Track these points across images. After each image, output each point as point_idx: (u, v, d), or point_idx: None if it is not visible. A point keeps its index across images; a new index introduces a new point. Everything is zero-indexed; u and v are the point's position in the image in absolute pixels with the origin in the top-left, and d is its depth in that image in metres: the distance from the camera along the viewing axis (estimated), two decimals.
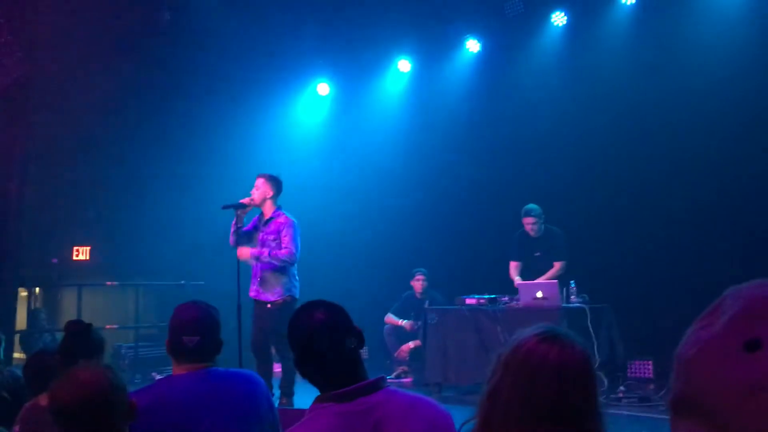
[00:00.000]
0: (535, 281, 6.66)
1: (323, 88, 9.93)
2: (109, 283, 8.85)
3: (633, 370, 6.97)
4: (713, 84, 6.95)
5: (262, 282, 5.84)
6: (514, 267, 7.10)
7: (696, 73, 7.09)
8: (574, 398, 1.43)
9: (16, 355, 7.88)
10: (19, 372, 3.37)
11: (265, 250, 5.78)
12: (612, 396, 5.96)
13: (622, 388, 6.13)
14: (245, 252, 5.78)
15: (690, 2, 7.37)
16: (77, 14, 8.41)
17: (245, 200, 5.83)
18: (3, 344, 3.57)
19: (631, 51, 7.71)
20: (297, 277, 5.92)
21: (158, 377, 8.01)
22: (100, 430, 1.91)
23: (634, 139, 7.56)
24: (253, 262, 5.86)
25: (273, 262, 5.76)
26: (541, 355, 1.45)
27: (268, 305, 5.80)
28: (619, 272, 7.37)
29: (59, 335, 7.57)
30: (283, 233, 5.78)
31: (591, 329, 6.00)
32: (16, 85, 7.55)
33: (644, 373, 6.96)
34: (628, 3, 7.76)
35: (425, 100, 9.29)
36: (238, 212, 5.81)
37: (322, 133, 9.98)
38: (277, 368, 6.17)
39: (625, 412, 5.64)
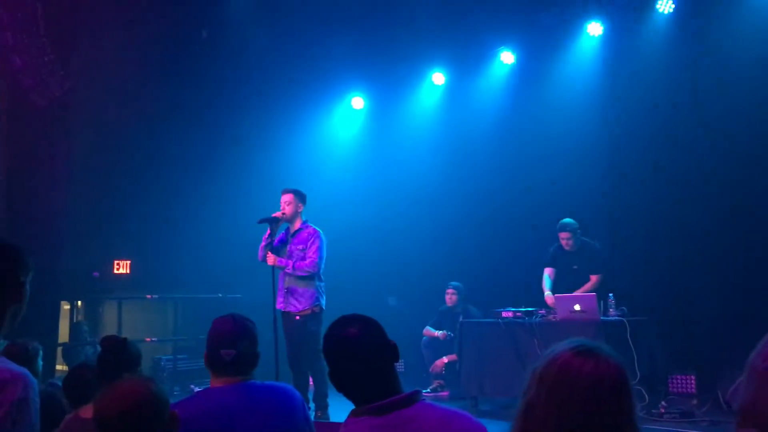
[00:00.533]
0: (572, 294, 6.57)
1: (357, 101, 9.98)
2: (148, 296, 8.99)
3: (675, 384, 6.83)
4: (753, 91, 6.82)
5: (289, 293, 5.98)
6: (546, 274, 7.02)
7: (734, 80, 6.97)
8: (609, 412, 1.41)
9: (58, 367, 8.03)
10: (58, 383, 3.44)
11: (290, 262, 5.93)
12: (653, 411, 5.83)
13: (663, 403, 6.00)
14: (271, 258, 5.92)
15: (727, 10, 7.24)
16: (117, 32, 8.60)
17: (278, 214, 6.02)
18: (41, 354, 3.64)
19: (668, 60, 7.60)
20: (323, 288, 6.07)
21: (197, 389, 8.09)
22: None
23: (673, 149, 7.44)
24: (278, 267, 5.96)
25: (297, 273, 5.93)
26: (576, 369, 1.44)
27: (297, 317, 5.93)
28: (660, 285, 7.25)
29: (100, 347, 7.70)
30: (310, 243, 5.98)
31: (630, 343, 5.90)
32: (58, 102, 7.75)
33: (687, 388, 6.81)
34: (666, 12, 7.67)
35: (459, 112, 9.27)
36: (272, 226, 5.99)
37: (356, 147, 10.02)
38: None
39: (667, 428, 5.52)
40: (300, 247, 6.00)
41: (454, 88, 9.39)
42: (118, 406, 1.91)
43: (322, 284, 6.07)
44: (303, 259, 5.97)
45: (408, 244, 9.13)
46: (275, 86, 9.43)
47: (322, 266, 6.01)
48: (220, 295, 8.87)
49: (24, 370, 1.74)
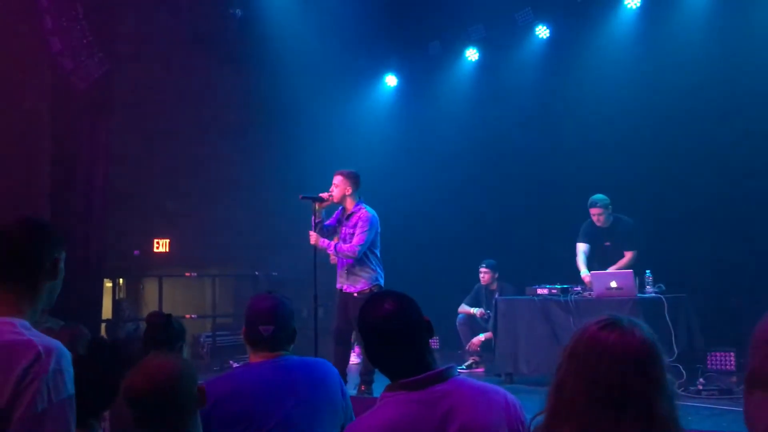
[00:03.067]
0: (608, 271, 6.52)
1: (391, 80, 9.96)
2: (187, 274, 9.15)
3: (713, 361, 6.75)
4: None
5: (349, 274, 5.98)
6: (581, 249, 6.93)
7: None
8: (636, 383, 1.42)
9: None
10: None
11: (332, 243, 5.94)
12: (691, 388, 5.78)
13: (701, 380, 5.94)
14: (314, 237, 5.93)
15: None
16: (154, 14, 8.70)
17: (324, 195, 5.95)
18: (89, 338, 3.73)
19: (709, 34, 7.41)
20: (380, 267, 6.04)
21: (235, 365, 8.25)
22: (170, 415, 1.99)
23: (710, 123, 7.29)
24: (320, 248, 6.00)
25: (339, 255, 5.95)
26: (602, 342, 1.46)
27: (355, 294, 5.92)
28: (698, 261, 7.15)
29: (142, 324, 7.89)
30: (358, 227, 5.91)
31: (668, 319, 5.84)
32: (99, 83, 7.88)
33: (726, 365, 6.73)
34: None
35: (494, 89, 9.18)
36: (316, 205, 5.95)
37: (391, 126, 10.01)
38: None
39: (706, 405, 5.47)
40: (351, 231, 5.96)
41: (488, 65, 9.30)
42: (146, 381, 1.98)
43: (379, 263, 6.03)
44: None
45: (443, 222, 9.12)
46: (310, 65, 9.44)
47: (363, 250, 5.89)
48: (257, 273, 8.99)
49: (57, 342, 1.79)
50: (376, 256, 6.03)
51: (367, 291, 5.87)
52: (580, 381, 1.44)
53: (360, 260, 5.92)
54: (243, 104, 9.60)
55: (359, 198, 6.04)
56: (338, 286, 6.06)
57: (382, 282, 6.00)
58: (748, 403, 1.17)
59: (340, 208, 6.09)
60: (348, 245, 5.90)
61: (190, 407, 2.02)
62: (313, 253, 5.92)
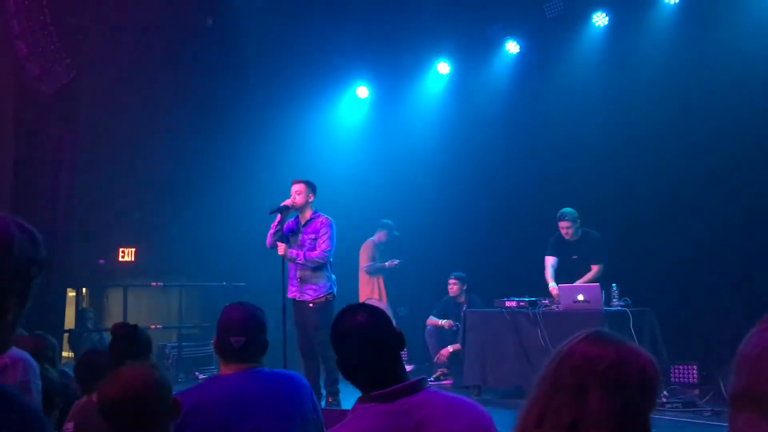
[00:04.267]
0: (575, 284, 6.61)
1: (362, 91, 9.99)
2: (153, 284, 9.04)
3: (677, 374, 6.87)
4: (761, 85, 6.83)
5: (302, 282, 6.02)
6: (549, 263, 7.03)
7: (741, 74, 6.97)
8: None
9: (64, 354, 8.10)
10: (68, 371, 3.48)
11: (301, 252, 5.98)
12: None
13: (665, 393, 6.04)
14: (282, 248, 5.99)
15: (735, 2, 7.24)
16: (123, 21, 8.62)
17: (287, 203, 6.04)
18: (58, 350, 3.66)
19: (674, 52, 7.60)
20: (334, 276, 6.13)
21: (201, 377, 8.17)
22: (145, 427, 1.97)
23: (679, 142, 7.46)
24: (288, 261, 6.02)
25: (307, 264, 5.98)
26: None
27: (310, 304, 5.98)
28: (662, 275, 7.28)
29: (106, 334, 7.77)
30: (321, 233, 6.02)
31: (633, 333, 5.93)
32: (65, 90, 7.77)
33: (688, 378, 6.85)
34: (672, 2, 7.66)
35: (464, 102, 9.28)
36: (282, 215, 6.05)
37: (361, 136, 10.04)
38: None
39: (669, 418, 5.56)
40: (312, 236, 6.04)
41: (459, 78, 9.40)
42: (122, 391, 1.95)
43: (332, 272, 6.13)
44: (314, 248, 6.00)
45: (411, 234, 9.16)
46: (280, 75, 9.45)
47: (331, 255, 6.06)
48: (225, 283, 8.91)
49: (24, 354, 1.74)
50: (331, 263, 6.11)
51: (322, 300, 5.95)
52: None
53: (316, 268, 5.96)
54: (212, 114, 9.55)
55: (315, 206, 6.18)
56: (290, 295, 6.04)
57: (335, 290, 6.08)
58: (735, 424, 1.17)
59: (294, 216, 6.16)
60: (317, 252, 5.96)
61: (164, 418, 2.00)
62: (281, 264, 5.95)
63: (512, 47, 8.84)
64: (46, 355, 3.26)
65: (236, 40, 9.33)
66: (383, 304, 8.49)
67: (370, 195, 9.38)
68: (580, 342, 1.43)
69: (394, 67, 9.49)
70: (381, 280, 8.77)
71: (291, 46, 9.27)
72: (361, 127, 10.14)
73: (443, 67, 9.41)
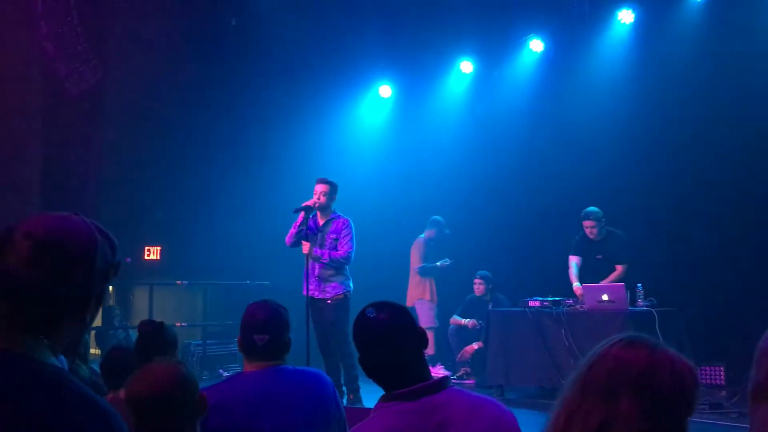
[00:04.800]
0: (600, 284, 6.55)
1: (385, 90, 10.00)
2: (178, 282, 9.12)
3: (703, 376, 6.79)
4: None
5: (321, 280, 6.11)
6: (573, 262, 6.98)
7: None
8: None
9: (91, 351, 8.20)
10: (95, 368, 3.52)
11: (325, 252, 6.05)
12: None
13: None
14: (306, 246, 6.05)
15: None
16: (148, 21, 8.72)
17: (310, 202, 6.08)
18: (88, 346, 3.71)
19: (701, 49, 7.49)
20: (350, 275, 6.24)
21: (225, 374, 8.23)
22: (173, 422, 1.99)
23: (702, 138, 7.36)
24: (312, 260, 6.07)
25: (332, 263, 6.07)
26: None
27: (329, 301, 6.07)
28: (689, 275, 7.19)
29: (132, 332, 7.86)
30: (343, 233, 6.12)
31: (659, 334, 5.87)
32: (92, 90, 7.89)
33: (715, 379, 6.77)
34: None
35: (487, 101, 9.23)
36: (306, 214, 6.09)
37: (383, 135, 10.04)
38: None
39: (696, 420, 5.49)
40: (333, 236, 6.12)
41: (482, 77, 9.36)
42: (151, 387, 1.98)
43: (349, 271, 6.23)
44: (335, 248, 6.09)
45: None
46: (304, 75, 9.49)
47: (353, 255, 6.14)
48: (248, 281, 8.97)
49: None
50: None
51: (341, 296, 6.04)
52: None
53: (336, 268, 6.08)
54: (236, 113, 9.62)
55: (335, 206, 6.27)
56: (310, 293, 6.06)
57: (352, 288, 6.18)
58: (755, 417, 1.16)
59: (312, 215, 6.17)
60: (341, 252, 6.07)
61: (191, 413, 2.03)
62: (305, 262, 5.99)
63: (536, 45, 8.78)
64: (78, 351, 3.31)
65: (260, 41, 9.39)
66: (434, 307, 8.40)
67: (391, 194, 9.38)
68: (614, 345, 1.41)
69: (416, 66, 9.48)
70: (432, 282, 8.51)
71: (314, 46, 9.30)
72: (383, 126, 10.14)
73: (466, 66, 9.38)
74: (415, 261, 8.57)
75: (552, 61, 8.70)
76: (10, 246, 1.30)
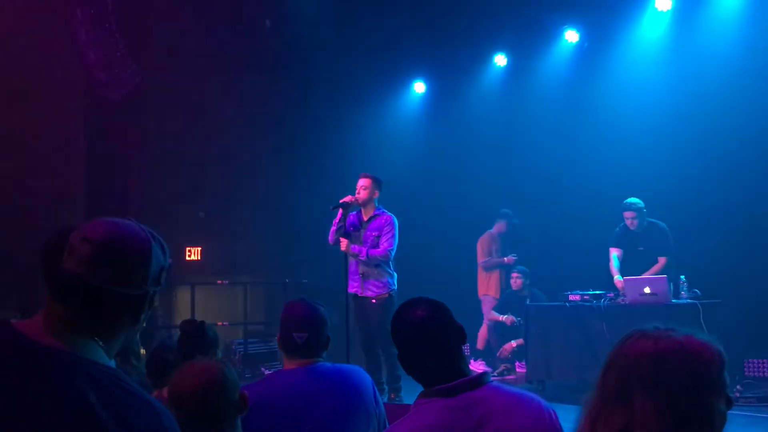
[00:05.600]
0: (642, 276, 6.45)
1: (419, 86, 9.99)
2: (219, 281, 9.24)
3: (750, 368, 6.65)
4: None
5: (364, 278, 5.97)
6: (614, 255, 6.88)
7: None
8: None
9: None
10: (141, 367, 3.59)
11: (364, 249, 5.93)
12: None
13: (738, 387, 5.85)
14: (344, 243, 5.94)
15: None
16: (184, 25, 8.84)
17: (348, 199, 5.92)
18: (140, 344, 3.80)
19: (743, 36, 7.31)
20: (395, 272, 6.07)
21: (267, 372, 8.31)
22: (215, 419, 2.03)
23: (747, 125, 7.18)
24: (350, 257, 6.01)
25: (370, 261, 5.93)
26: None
27: (373, 300, 5.93)
28: (734, 266, 7.02)
29: (174, 331, 7.98)
30: (385, 230, 5.95)
31: (704, 326, 5.76)
32: (131, 95, 8.03)
33: (763, 372, 6.63)
34: None
35: (522, 94, 9.15)
36: (345, 211, 5.95)
37: (418, 131, 10.04)
38: None
39: (744, 413, 5.39)
40: (375, 233, 5.96)
41: (516, 70, 9.27)
42: (194, 384, 2.02)
43: (393, 268, 6.06)
44: (377, 246, 5.94)
45: (473, 228, 9.09)
46: (340, 73, 9.52)
47: (394, 253, 5.97)
48: (287, 280, 9.04)
49: None
50: (392, 260, 6.08)
51: (385, 296, 5.90)
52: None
53: (379, 266, 5.94)
54: (274, 112, 9.71)
55: (378, 202, 6.10)
56: (351, 290, 6.00)
57: (395, 287, 6.02)
58: None
59: (355, 211, 6.08)
60: (380, 250, 5.91)
61: (233, 412, 2.06)
62: (344, 260, 5.93)
63: (571, 36, 8.66)
64: (133, 349, 3.38)
65: (294, 40, 9.44)
66: (496, 301, 8.25)
67: (429, 191, 9.37)
68: (624, 343, 1.36)
69: (450, 61, 9.44)
70: (497, 276, 8.36)
71: (348, 45, 9.32)
72: (419, 123, 10.13)
73: (500, 60, 9.32)
74: (480, 255, 8.45)
75: (588, 51, 8.58)
76: (68, 250, 1.35)
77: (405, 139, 9.94)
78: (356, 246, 5.96)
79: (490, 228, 8.54)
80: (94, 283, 1.33)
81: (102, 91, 7.81)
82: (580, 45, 8.65)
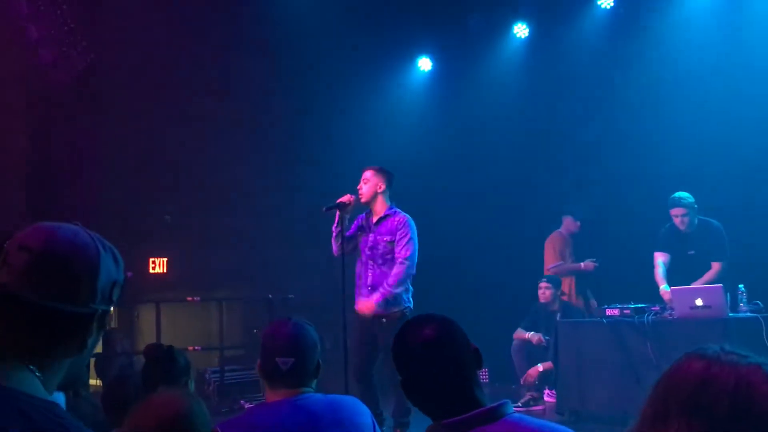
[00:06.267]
0: (692, 286, 6.45)
1: (425, 63, 10.07)
2: (189, 298, 9.24)
3: None
4: None
5: (374, 291, 5.75)
6: (660, 261, 6.86)
7: None
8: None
9: (91, 381, 8.37)
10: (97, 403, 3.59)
11: (384, 289, 5.69)
12: None
13: None
14: (368, 306, 5.70)
15: None
16: None
17: (346, 198, 5.71)
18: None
19: None
20: (411, 287, 5.86)
21: (247, 405, 8.31)
22: None
23: None
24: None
25: (396, 290, 5.68)
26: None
27: (383, 319, 5.71)
28: None
29: (137, 358, 7.99)
30: (399, 234, 5.72)
31: (767, 343, 5.76)
32: (82, 77, 8.03)
33: None
34: None
35: (548, 71, 9.16)
36: (341, 213, 5.72)
37: (427, 117, 10.07)
38: None
39: None
40: (387, 238, 5.73)
41: (539, 42, 9.30)
42: (156, 419, 2.01)
43: (410, 283, 5.85)
44: (390, 252, 5.71)
45: (491, 229, 9.10)
46: (339, 53, 9.52)
47: (414, 264, 5.73)
48: (270, 296, 9.04)
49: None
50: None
51: (398, 315, 5.66)
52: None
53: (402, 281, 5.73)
54: (251, 96, 9.69)
55: (391, 200, 5.90)
56: (357, 307, 5.81)
57: (411, 304, 5.81)
58: None
59: (363, 213, 5.93)
60: (398, 267, 5.67)
61: None
62: (341, 274, 5.65)
63: (605, 1, 8.67)
64: (85, 381, 3.38)
65: (284, 15, 9.39)
66: None
67: (439, 186, 9.40)
68: (675, 364, 1.40)
69: (460, 32, 9.47)
70: (573, 283, 8.28)
71: (350, 24, 9.30)
72: (425, 107, 10.16)
73: (521, 30, 9.35)
74: (549, 259, 8.41)
75: (624, 18, 8.59)
76: (2, 259, 1.33)
77: (410, 127, 9.94)
78: (376, 295, 5.68)
79: (557, 227, 8.48)
80: (32, 298, 1.30)
81: (47, 73, 7.82)
82: (614, 11, 8.65)
